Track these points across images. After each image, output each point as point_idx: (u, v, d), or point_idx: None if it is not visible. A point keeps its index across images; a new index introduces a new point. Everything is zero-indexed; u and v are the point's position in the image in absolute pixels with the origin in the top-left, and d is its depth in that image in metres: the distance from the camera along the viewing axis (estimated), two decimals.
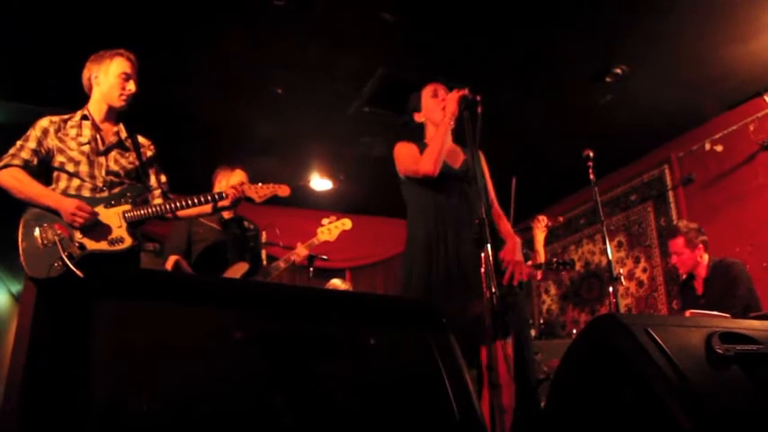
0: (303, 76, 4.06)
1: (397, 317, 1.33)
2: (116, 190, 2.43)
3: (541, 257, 4.18)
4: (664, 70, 4.02)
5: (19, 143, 2.38)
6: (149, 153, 2.63)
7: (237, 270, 3.28)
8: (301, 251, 3.58)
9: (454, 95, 2.34)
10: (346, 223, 3.71)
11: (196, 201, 2.50)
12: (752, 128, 4.46)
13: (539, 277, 4.35)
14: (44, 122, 2.43)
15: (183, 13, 3.39)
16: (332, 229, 3.67)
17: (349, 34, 3.65)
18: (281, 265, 3.54)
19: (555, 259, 4.31)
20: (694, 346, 1.25)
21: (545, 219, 4.23)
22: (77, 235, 2.26)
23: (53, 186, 2.37)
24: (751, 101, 4.44)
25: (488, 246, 1.86)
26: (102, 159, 2.45)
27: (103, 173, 2.43)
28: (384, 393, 1.16)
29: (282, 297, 1.26)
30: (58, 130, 2.42)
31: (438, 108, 2.53)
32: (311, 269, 4.26)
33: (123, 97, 2.48)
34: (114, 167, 2.47)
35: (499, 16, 3.50)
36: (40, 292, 2.16)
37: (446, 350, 1.29)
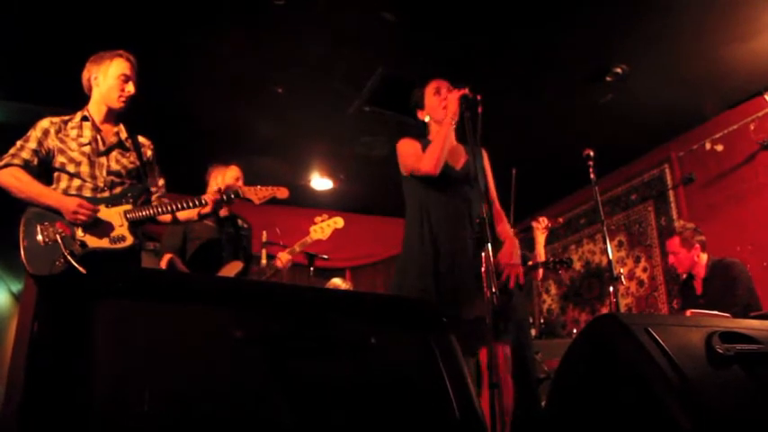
0: (303, 76, 4.06)
1: (398, 316, 1.33)
2: (117, 190, 2.43)
3: (542, 259, 4.17)
4: (664, 69, 4.02)
5: (19, 143, 2.39)
6: (149, 153, 2.64)
7: (232, 269, 3.27)
8: (284, 257, 3.57)
9: (455, 95, 2.34)
10: (338, 221, 3.71)
11: (178, 206, 2.45)
12: (752, 127, 4.46)
13: (539, 277, 4.34)
14: (44, 123, 2.43)
15: (183, 13, 3.39)
16: (324, 227, 3.67)
17: (349, 34, 3.66)
18: (268, 271, 3.56)
19: (552, 258, 4.30)
20: (695, 345, 1.25)
21: (545, 220, 4.22)
22: (79, 233, 2.26)
23: (54, 186, 2.37)
24: (751, 100, 4.44)
25: (488, 245, 1.86)
26: (102, 160, 2.45)
27: (104, 173, 2.43)
28: (384, 393, 1.16)
29: (283, 296, 1.26)
30: (58, 131, 2.42)
31: (440, 106, 2.53)
32: (311, 268, 4.26)
33: (122, 99, 2.48)
34: (116, 167, 2.47)
35: (499, 16, 3.50)
36: (41, 290, 2.16)
37: (447, 350, 1.29)
